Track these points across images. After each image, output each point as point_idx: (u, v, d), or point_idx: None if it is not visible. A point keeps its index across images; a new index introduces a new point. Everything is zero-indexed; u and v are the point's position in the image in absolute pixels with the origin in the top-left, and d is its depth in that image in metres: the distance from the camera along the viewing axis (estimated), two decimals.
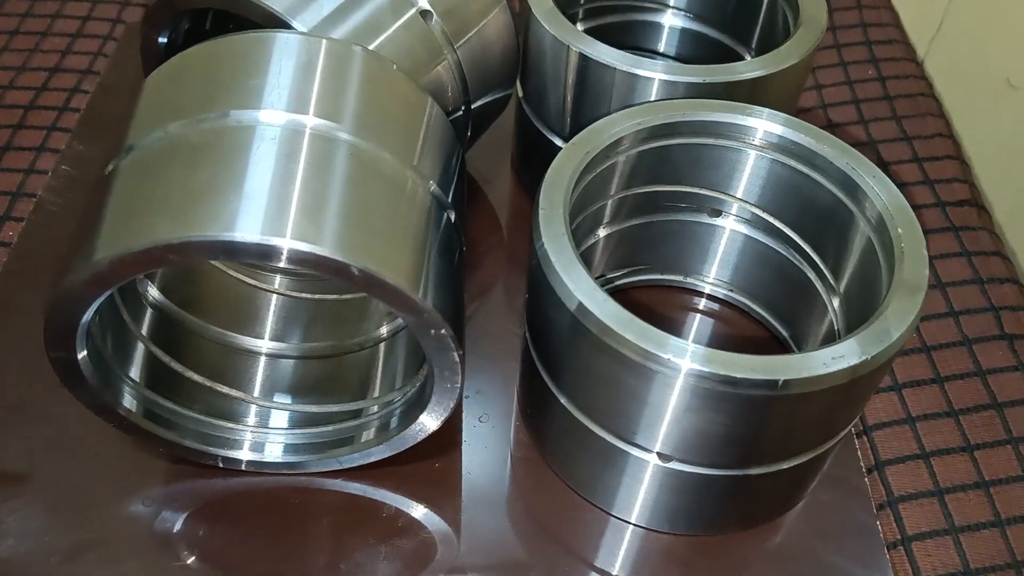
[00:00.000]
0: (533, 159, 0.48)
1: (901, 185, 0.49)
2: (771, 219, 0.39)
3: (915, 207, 0.47)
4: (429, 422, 0.35)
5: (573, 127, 0.43)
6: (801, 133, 0.36)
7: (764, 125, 0.37)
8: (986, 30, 0.70)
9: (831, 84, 0.55)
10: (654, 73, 0.39)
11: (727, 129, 0.37)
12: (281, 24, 0.35)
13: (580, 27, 0.49)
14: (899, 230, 0.33)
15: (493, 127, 0.47)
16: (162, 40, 0.39)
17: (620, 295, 0.44)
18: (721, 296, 0.44)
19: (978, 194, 0.49)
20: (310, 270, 0.28)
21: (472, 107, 0.43)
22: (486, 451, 0.39)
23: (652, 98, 0.39)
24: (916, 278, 0.32)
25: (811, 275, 0.39)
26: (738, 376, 0.29)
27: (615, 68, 0.39)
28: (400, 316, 0.30)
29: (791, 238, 0.39)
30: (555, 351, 0.34)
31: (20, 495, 0.37)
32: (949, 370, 0.41)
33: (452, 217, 0.34)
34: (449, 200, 0.34)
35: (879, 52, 0.56)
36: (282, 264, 0.27)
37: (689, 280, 0.44)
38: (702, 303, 0.44)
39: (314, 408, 0.37)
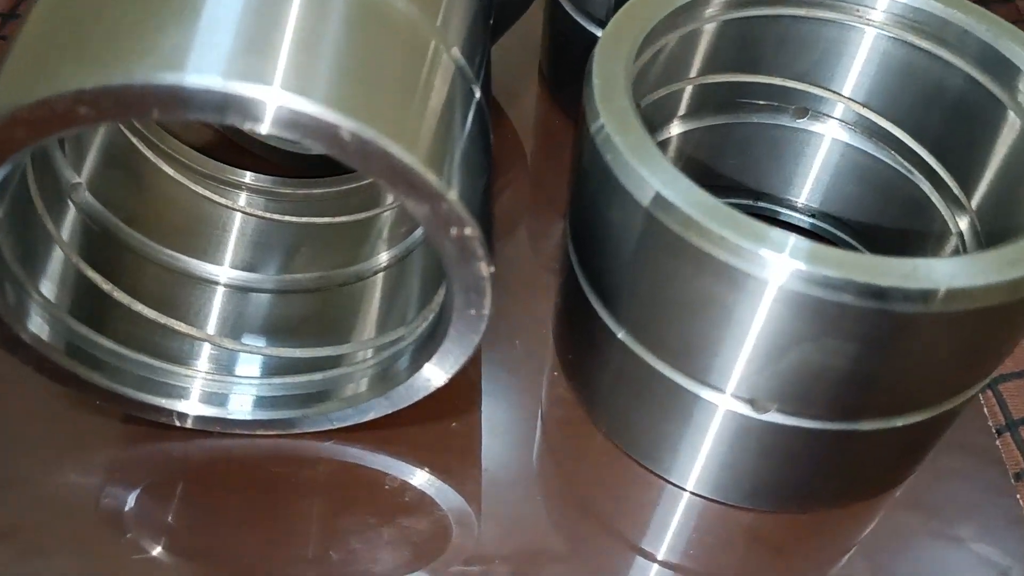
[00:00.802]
0: (569, 63, 0.39)
1: None
2: (880, 120, 0.31)
3: None
4: (444, 367, 0.26)
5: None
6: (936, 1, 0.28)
7: None
8: None
9: None
10: None
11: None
12: None
13: None
14: None
15: (515, 28, 0.39)
16: None
17: None
18: (808, 224, 0.36)
19: None
20: (290, 135, 0.20)
21: None
22: (512, 410, 0.31)
23: None
24: None
25: (934, 195, 0.31)
26: (885, 285, 0.20)
27: None
28: (411, 209, 0.22)
29: (909, 147, 0.31)
30: (615, 268, 0.26)
31: None
32: None
33: (478, 95, 0.26)
34: (476, 75, 0.26)
35: None
36: (236, 121, 0.19)
37: (776, 201, 0.35)
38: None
39: (294, 352, 0.29)
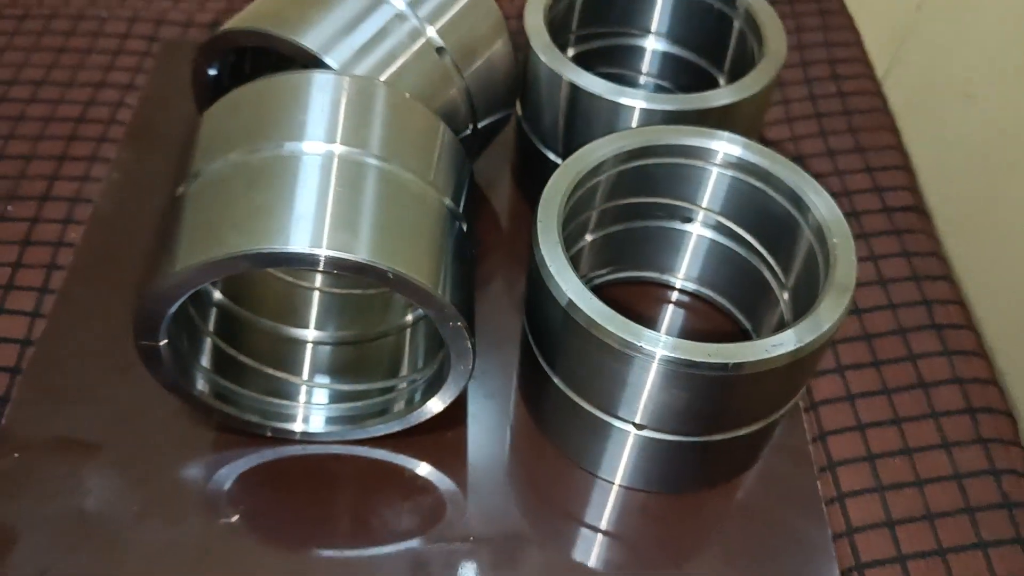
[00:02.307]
0: (530, 170, 0.54)
1: (853, 192, 0.56)
2: (732, 225, 0.46)
3: (863, 212, 0.54)
4: (444, 399, 0.41)
5: (565, 145, 0.50)
6: (756, 154, 0.43)
7: (725, 147, 0.43)
8: (947, 45, 0.76)
9: (796, 99, 0.61)
10: (635, 101, 0.45)
11: (694, 151, 0.44)
12: (316, 61, 0.42)
13: (571, 52, 0.56)
14: (834, 240, 0.40)
15: (496, 141, 0.54)
16: (211, 72, 0.46)
17: (603, 290, 0.51)
18: (691, 291, 0.51)
19: (921, 200, 0.56)
20: (351, 273, 0.35)
21: (478, 126, 0.49)
22: (489, 424, 0.46)
23: (633, 122, 0.46)
24: (846, 280, 0.38)
25: (766, 274, 0.46)
26: (698, 360, 0.36)
27: (601, 97, 0.46)
28: (423, 310, 0.37)
29: (749, 242, 0.46)
30: (550, 340, 0.41)
31: (95, 460, 0.43)
32: (885, 355, 0.48)
33: (464, 227, 0.41)
34: (461, 212, 0.41)
35: (840, 70, 0.63)
36: (324, 268, 0.34)
37: (663, 277, 0.51)
38: (674, 296, 0.51)
39: (349, 387, 0.44)
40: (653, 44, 0.57)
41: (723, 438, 0.41)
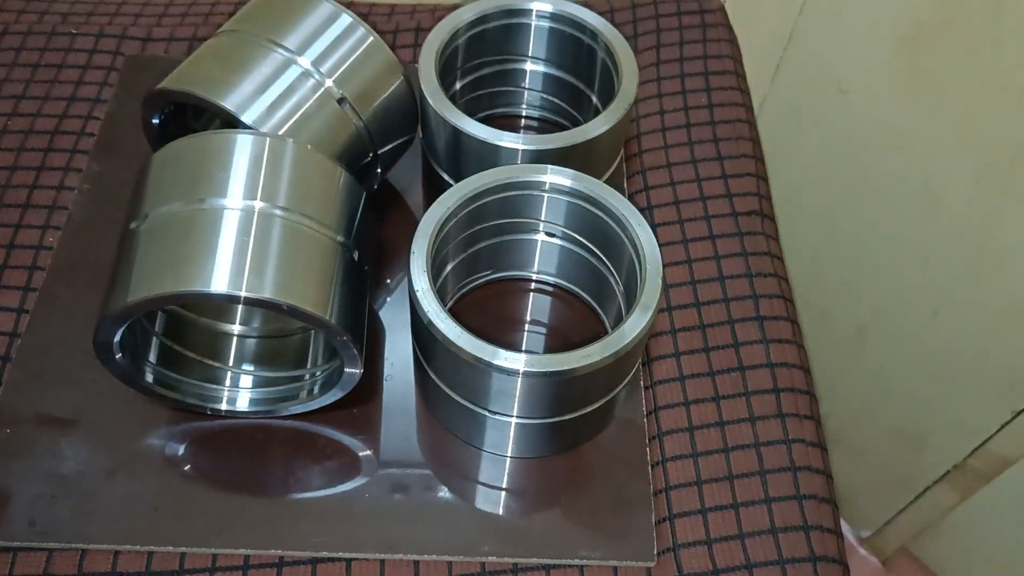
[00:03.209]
0: (431, 182, 0.64)
1: (708, 198, 0.66)
2: (576, 236, 0.57)
3: (714, 216, 0.64)
4: (337, 393, 0.53)
5: (453, 170, 0.60)
6: (586, 185, 0.54)
7: (556, 180, 0.54)
8: (823, 44, 0.85)
9: (670, 110, 0.71)
10: (506, 143, 0.55)
11: (533, 184, 0.55)
12: (235, 118, 0.52)
13: (465, 80, 0.66)
14: (647, 265, 0.50)
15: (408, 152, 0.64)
16: (155, 121, 0.56)
17: (478, 290, 0.62)
18: (549, 283, 0.62)
19: (768, 206, 0.66)
20: (259, 307, 0.46)
21: (379, 153, 0.59)
22: (399, 401, 0.58)
23: (508, 159, 0.56)
24: (649, 300, 0.49)
25: (606, 273, 0.57)
26: (530, 370, 0.47)
27: (479, 139, 0.56)
28: (316, 329, 0.48)
29: (590, 247, 0.57)
30: (425, 349, 0.52)
31: (71, 433, 0.55)
32: (716, 342, 0.60)
33: (355, 255, 0.51)
34: (353, 243, 0.51)
35: (714, 82, 0.72)
36: (241, 305, 0.45)
37: (525, 274, 0.62)
38: (533, 286, 0.62)
39: (266, 374, 0.55)
40: (532, 67, 0.67)
41: (573, 416, 0.52)
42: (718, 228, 0.65)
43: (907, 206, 0.87)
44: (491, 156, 0.56)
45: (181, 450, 0.55)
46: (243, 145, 0.49)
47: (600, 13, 0.75)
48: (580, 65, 0.64)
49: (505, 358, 0.47)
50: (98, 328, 0.47)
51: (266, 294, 0.45)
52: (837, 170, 0.92)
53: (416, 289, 0.49)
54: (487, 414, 0.52)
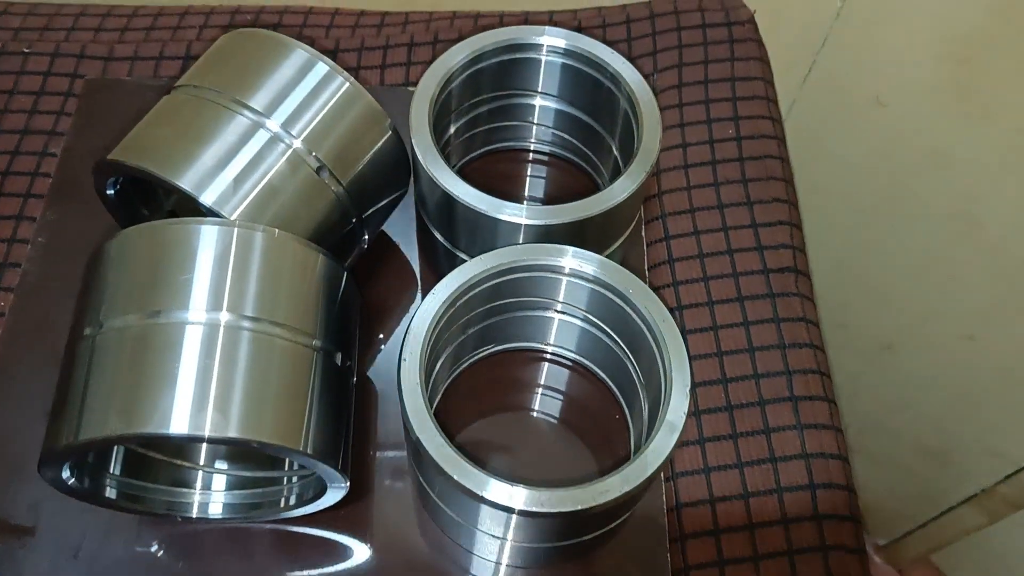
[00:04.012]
0: (425, 238, 0.57)
1: (736, 250, 0.59)
2: (596, 320, 0.50)
3: (743, 273, 0.58)
4: (319, 505, 0.47)
5: (448, 233, 0.53)
6: (610, 273, 0.47)
7: (574, 263, 0.48)
8: (859, 53, 0.77)
9: (694, 143, 0.64)
10: (510, 217, 0.48)
11: (551, 267, 0.48)
12: (192, 198, 0.45)
13: (463, 120, 0.58)
14: (672, 372, 0.44)
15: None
16: (110, 192, 0.49)
17: (489, 358, 0.55)
18: (565, 356, 0.56)
19: (802, 260, 0.60)
20: (224, 445, 0.39)
21: (365, 217, 0.52)
22: (391, 496, 0.52)
23: (505, 232, 0.49)
24: (675, 418, 0.43)
25: (628, 363, 0.50)
26: (533, 510, 0.41)
27: (477, 211, 0.48)
28: (292, 459, 0.42)
29: (608, 332, 0.50)
30: (415, 457, 0.46)
31: (28, 545, 0.49)
32: (745, 426, 0.53)
33: (338, 358, 0.45)
34: (333, 343, 0.45)
35: (742, 109, 0.65)
36: (203, 443, 0.39)
37: (535, 345, 0.56)
38: (547, 362, 0.56)
39: (242, 473, 0.50)
40: (541, 102, 0.59)
41: (573, 543, 0.47)
42: (747, 288, 0.58)
43: (944, 227, 0.80)
44: (490, 227, 0.49)
45: (152, 556, 0.50)
46: (206, 239, 0.43)
47: (616, 24, 0.67)
48: (597, 106, 0.57)
49: (498, 492, 0.41)
50: (43, 460, 0.41)
51: (232, 432, 0.39)
52: (868, 183, 0.85)
53: (408, 409, 0.43)
54: (482, 533, 0.46)
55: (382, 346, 0.57)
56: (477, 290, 0.48)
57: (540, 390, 0.56)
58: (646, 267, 0.59)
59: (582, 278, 0.48)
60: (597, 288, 0.48)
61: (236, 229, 0.43)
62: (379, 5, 0.71)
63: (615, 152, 0.58)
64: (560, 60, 0.56)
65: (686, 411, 0.43)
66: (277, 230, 0.45)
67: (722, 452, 0.53)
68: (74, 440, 0.39)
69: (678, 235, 0.60)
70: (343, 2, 0.72)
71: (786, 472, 0.52)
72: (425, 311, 0.45)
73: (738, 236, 0.60)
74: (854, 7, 0.75)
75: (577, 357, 0.55)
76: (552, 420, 0.55)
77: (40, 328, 0.56)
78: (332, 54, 0.67)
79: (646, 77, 0.59)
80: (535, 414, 0.55)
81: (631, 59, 0.65)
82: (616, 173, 0.56)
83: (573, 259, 0.47)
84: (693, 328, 0.57)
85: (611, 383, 0.54)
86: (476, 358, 0.55)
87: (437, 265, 0.58)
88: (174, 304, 0.41)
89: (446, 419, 0.53)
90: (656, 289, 0.58)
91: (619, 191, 0.49)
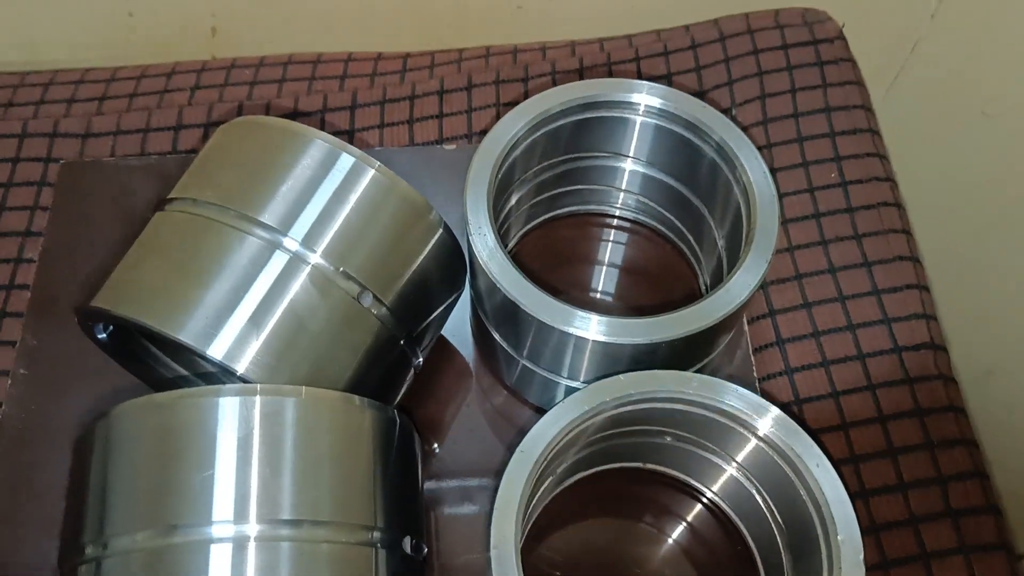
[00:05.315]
0: (482, 335, 0.47)
1: (859, 326, 0.49)
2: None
3: (870, 355, 0.47)
4: None
5: (508, 337, 0.43)
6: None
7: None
8: (961, 60, 0.67)
9: (790, 193, 0.53)
10: (585, 333, 0.38)
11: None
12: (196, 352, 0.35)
13: (536, 180, 0.48)
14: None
15: None
16: (101, 336, 0.39)
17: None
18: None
19: (937, 329, 0.49)
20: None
21: (415, 335, 0.42)
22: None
23: (576, 347, 0.39)
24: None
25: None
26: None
27: (541, 321, 0.38)
28: None
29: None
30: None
31: None
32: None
33: (407, 544, 0.35)
34: (400, 526, 0.35)
35: (843, 146, 0.54)
36: None
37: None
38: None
39: None
40: (631, 165, 0.49)
41: None
42: (877, 373, 0.48)
43: None
44: (557, 338, 0.39)
45: None
46: (225, 418, 0.33)
47: (680, 50, 0.57)
48: (696, 177, 0.46)
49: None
50: None
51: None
52: (968, 200, 0.74)
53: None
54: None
55: (435, 449, 0.47)
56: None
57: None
58: (754, 373, 0.49)
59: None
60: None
61: (259, 398, 0.33)
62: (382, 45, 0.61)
63: (713, 225, 0.47)
64: (654, 121, 0.45)
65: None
66: (305, 389, 0.34)
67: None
68: None
69: (783, 309, 0.50)
70: (354, 45, 0.61)
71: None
72: (508, 483, 0.35)
73: (858, 307, 0.49)
74: (950, 9, 0.64)
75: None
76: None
77: (23, 487, 0.46)
78: (350, 111, 0.57)
79: (724, 112, 0.49)
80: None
81: (702, 92, 0.55)
82: (712, 243, 0.46)
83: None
84: (818, 427, 0.47)
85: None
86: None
87: (495, 363, 0.48)
88: (193, 517, 0.31)
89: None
90: (762, 380, 0.48)
91: (738, 290, 0.39)
